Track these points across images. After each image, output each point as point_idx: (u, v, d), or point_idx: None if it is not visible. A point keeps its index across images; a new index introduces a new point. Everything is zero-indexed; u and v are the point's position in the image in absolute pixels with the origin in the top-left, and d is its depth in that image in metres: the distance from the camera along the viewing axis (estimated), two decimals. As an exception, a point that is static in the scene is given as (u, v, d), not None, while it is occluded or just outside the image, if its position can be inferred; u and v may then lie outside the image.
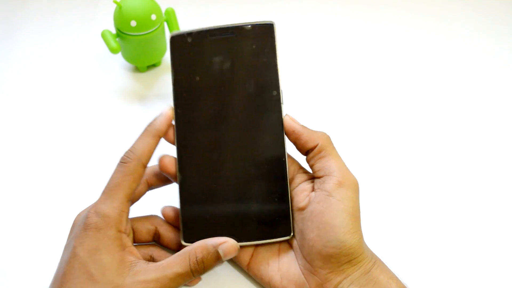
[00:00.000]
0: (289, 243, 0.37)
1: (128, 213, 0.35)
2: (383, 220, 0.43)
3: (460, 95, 0.53)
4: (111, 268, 0.32)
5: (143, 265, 0.33)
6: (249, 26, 0.38)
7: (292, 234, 0.36)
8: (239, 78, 0.37)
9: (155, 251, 0.38)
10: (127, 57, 0.52)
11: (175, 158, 0.37)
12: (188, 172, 0.37)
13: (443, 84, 0.54)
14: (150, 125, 0.37)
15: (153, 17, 0.48)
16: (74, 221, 0.35)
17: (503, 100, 0.53)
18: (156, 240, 0.38)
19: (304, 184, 0.37)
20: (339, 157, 0.36)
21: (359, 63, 0.56)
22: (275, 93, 0.37)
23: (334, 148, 0.36)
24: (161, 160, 0.37)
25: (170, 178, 0.38)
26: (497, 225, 0.43)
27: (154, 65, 0.55)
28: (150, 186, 0.38)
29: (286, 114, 0.37)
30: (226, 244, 0.34)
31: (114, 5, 0.48)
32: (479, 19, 0.62)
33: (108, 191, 0.34)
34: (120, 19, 0.48)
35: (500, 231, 0.43)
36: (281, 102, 0.37)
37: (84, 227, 0.33)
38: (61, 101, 0.52)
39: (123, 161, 0.35)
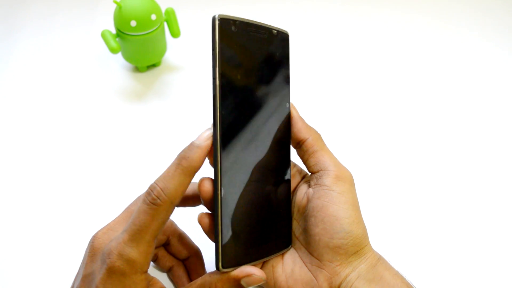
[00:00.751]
0: (292, 245, 0.37)
1: (152, 253, 0.32)
2: (381, 218, 0.43)
3: (463, 96, 0.53)
4: None
5: None
6: (275, 30, 0.35)
7: (291, 245, 0.36)
8: (265, 85, 0.34)
9: (160, 251, 0.38)
10: (127, 57, 0.52)
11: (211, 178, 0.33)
12: (231, 188, 0.32)
13: (446, 85, 0.54)
14: (185, 158, 0.31)
15: (153, 17, 0.48)
16: (94, 247, 0.33)
17: (501, 99, 0.53)
18: (164, 246, 0.38)
19: (300, 186, 0.37)
20: (331, 152, 0.36)
21: (360, 64, 0.56)
22: (287, 105, 0.36)
23: (325, 144, 0.36)
24: (202, 184, 0.32)
25: (204, 203, 0.34)
26: (491, 218, 0.43)
27: (154, 65, 0.55)
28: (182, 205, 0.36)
29: (291, 103, 0.37)
30: (251, 277, 0.31)
31: (114, 5, 0.48)
32: (482, 21, 0.62)
33: (134, 234, 0.31)
34: (120, 19, 0.48)
35: (495, 224, 0.43)
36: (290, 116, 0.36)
37: (108, 270, 0.31)
38: (61, 101, 0.52)
39: (153, 202, 0.30)
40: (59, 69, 0.55)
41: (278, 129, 0.35)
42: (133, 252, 0.30)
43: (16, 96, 0.52)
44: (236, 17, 0.33)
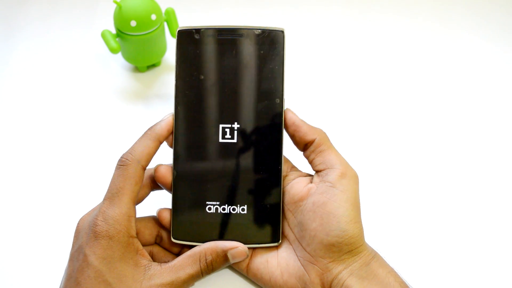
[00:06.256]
0: (286, 238, 0.37)
1: (135, 216, 0.35)
2: (382, 217, 0.43)
3: (462, 98, 0.53)
4: (127, 275, 0.32)
5: (157, 267, 0.33)
6: (259, 30, 0.37)
7: (280, 241, 0.37)
8: (244, 82, 0.37)
9: (154, 248, 0.38)
10: (127, 57, 0.52)
11: (171, 166, 0.37)
12: (183, 170, 0.37)
13: (446, 87, 0.54)
14: (150, 129, 0.37)
15: (153, 17, 0.48)
16: (78, 227, 0.35)
17: (502, 100, 0.53)
18: (158, 242, 0.38)
19: (298, 179, 0.37)
20: (337, 151, 0.36)
21: (361, 65, 0.56)
22: (277, 101, 0.37)
23: (331, 143, 0.37)
24: (157, 170, 0.37)
25: (165, 188, 0.37)
26: (493, 220, 0.43)
27: (154, 65, 0.55)
28: (153, 189, 0.38)
29: (287, 108, 0.37)
30: (236, 250, 0.35)
31: (114, 5, 0.48)
32: (483, 24, 0.62)
33: (112, 197, 0.34)
34: (120, 19, 0.48)
35: (497, 226, 0.43)
36: (283, 110, 0.37)
37: (95, 235, 0.32)
38: (61, 101, 0.52)
39: (122, 164, 0.35)
40: (59, 69, 0.55)
41: (260, 122, 0.37)
42: (116, 215, 0.33)
43: (17, 96, 0.52)
44: (199, 26, 0.37)
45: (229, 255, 0.35)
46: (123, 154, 0.35)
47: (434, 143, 0.49)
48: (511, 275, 0.40)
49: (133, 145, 0.36)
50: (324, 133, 0.37)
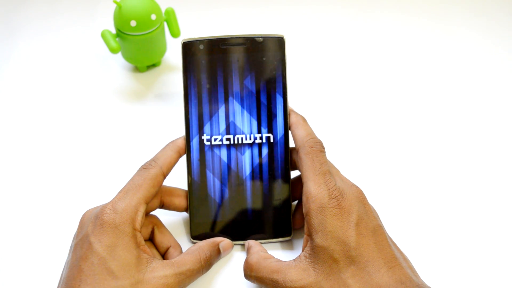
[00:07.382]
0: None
1: (144, 213, 0.35)
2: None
3: (465, 99, 0.53)
4: (130, 264, 0.33)
5: (159, 261, 0.34)
6: (260, 38, 0.39)
7: (292, 235, 0.39)
8: (249, 89, 0.39)
9: (147, 243, 0.38)
10: (127, 57, 0.52)
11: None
12: (197, 175, 0.39)
13: (447, 87, 0.54)
14: (172, 142, 0.39)
15: (153, 17, 0.48)
16: (83, 218, 0.35)
17: (503, 100, 0.53)
18: (150, 239, 0.39)
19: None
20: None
21: (362, 64, 0.56)
22: (282, 102, 0.39)
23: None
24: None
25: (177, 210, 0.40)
26: (494, 223, 0.43)
27: (154, 65, 0.55)
28: (162, 205, 0.40)
29: (291, 109, 0.40)
30: (224, 241, 0.39)
31: (114, 5, 0.49)
32: (482, 23, 0.62)
33: (127, 190, 0.35)
34: (120, 19, 0.48)
35: (498, 230, 0.43)
36: (287, 113, 0.39)
37: (101, 223, 0.33)
38: (61, 101, 0.52)
39: (145, 167, 0.37)
40: (59, 69, 0.55)
41: (267, 125, 0.39)
42: (125, 206, 0.34)
43: (17, 96, 0.52)
44: (203, 37, 0.39)
45: (220, 248, 0.38)
46: (149, 160, 0.37)
47: (434, 142, 0.49)
48: (511, 274, 0.40)
49: (156, 154, 0.38)
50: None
